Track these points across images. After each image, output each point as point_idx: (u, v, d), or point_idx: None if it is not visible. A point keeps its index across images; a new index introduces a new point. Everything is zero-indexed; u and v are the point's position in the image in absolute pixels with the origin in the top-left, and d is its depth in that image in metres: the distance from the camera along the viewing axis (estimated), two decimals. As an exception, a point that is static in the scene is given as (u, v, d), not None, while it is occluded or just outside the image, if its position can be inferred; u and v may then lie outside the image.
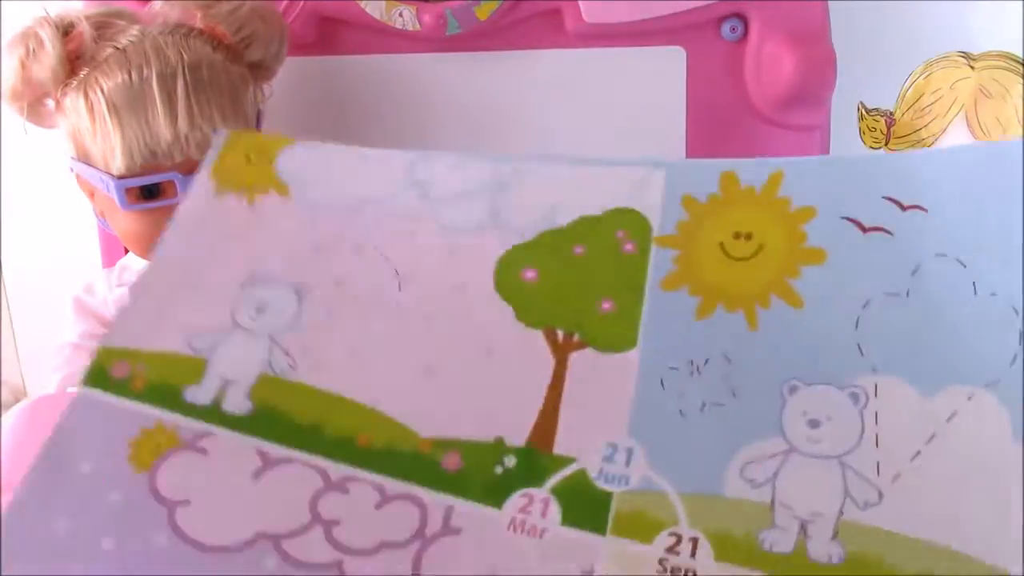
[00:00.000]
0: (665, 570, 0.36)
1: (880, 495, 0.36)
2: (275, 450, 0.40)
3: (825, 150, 0.73)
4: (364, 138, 0.72)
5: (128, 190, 0.62)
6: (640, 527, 0.37)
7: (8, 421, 0.52)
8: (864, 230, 0.40)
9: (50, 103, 0.65)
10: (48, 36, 0.62)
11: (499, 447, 0.39)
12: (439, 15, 0.69)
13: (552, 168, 0.45)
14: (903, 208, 0.40)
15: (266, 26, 0.68)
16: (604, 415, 0.39)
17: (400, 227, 0.45)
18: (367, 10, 0.71)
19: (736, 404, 0.38)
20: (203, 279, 0.45)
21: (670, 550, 0.36)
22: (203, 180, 0.49)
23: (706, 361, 0.39)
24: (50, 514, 0.39)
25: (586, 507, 0.37)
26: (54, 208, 0.87)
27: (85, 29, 0.63)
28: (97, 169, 0.63)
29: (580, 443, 0.39)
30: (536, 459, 0.39)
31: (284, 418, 0.41)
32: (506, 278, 0.43)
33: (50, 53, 0.62)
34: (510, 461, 0.39)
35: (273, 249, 0.46)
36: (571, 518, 0.37)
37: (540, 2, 0.71)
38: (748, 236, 0.42)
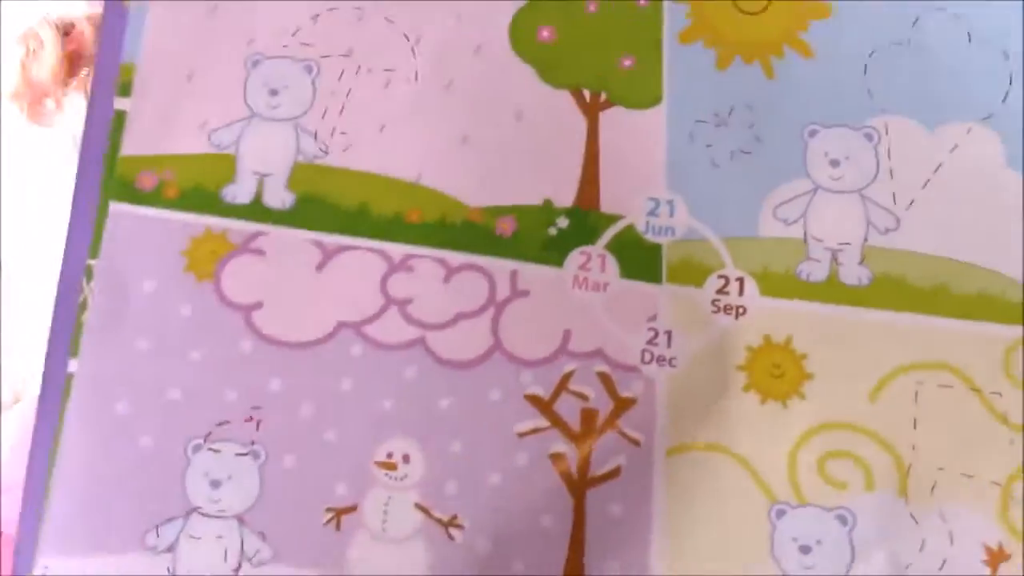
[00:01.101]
0: (718, 309, 0.40)
1: (898, 221, 0.41)
2: (329, 239, 0.41)
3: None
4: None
5: None
6: (691, 273, 0.41)
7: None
8: None
9: (50, 103, 0.65)
10: (48, 36, 0.63)
11: (549, 209, 0.41)
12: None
13: None
14: None
15: None
16: (642, 171, 0.41)
17: None
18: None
19: (762, 150, 0.41)
20: (200, 67, 0.42)
21: (720, 291, 0.40)
22: None
23: (730, 111, 0.42)
24: (128, 336, 0.39)
25: (640, 259, 0.41)
26: (54, 208, 0.83)
27: (85, 29, 0.64)
28: None
29: (624, 200, 0.41)
30: (586, 218, 0.41)
31: (329, 205, 0.41)
32: (522, 38, 0.43)
33: (50, 53, 0.63)
34: (563, 222, 0.41)
35: (265, 21, 0.43)
36: (628, 271, 0.41)
37: None
38: None
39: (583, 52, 0.43)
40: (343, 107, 0.42)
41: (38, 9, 0.66)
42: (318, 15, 0.43)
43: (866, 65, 0.42)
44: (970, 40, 0.42)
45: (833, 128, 0.42)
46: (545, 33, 0.43)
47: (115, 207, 0.41)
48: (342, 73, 0.42)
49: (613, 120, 0.42)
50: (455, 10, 0.43)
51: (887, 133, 0.41)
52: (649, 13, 0.43)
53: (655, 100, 0.42)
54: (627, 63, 0.43)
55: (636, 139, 0.42)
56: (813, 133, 0.42)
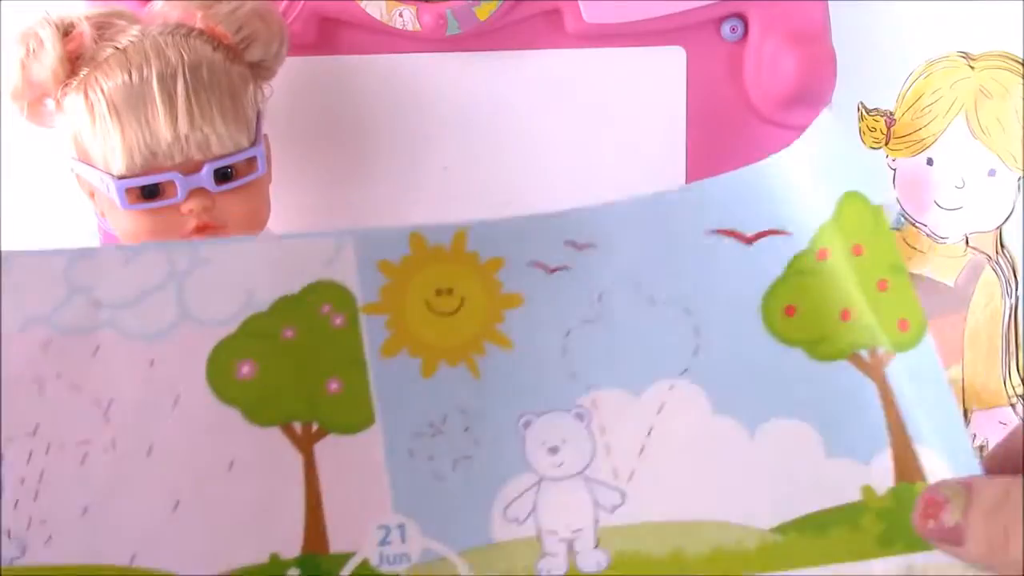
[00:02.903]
0: (468, 627, 0.40)
1: (623, 495, 0.41)
2: None
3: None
4: (364, 138, 0.74)
5: (128, 190, 0.64)
6: None
7: None
8: (550, 271, 0.44)
9: (50, 103, 0.65)
10: (48, 36, 0.63)
11: (277, 563, 0.39)
12: (439, 15, 0.69)
13: (234, 249, 0.43)
14: (579, 248, 0.44)
15: (266, 26, 0.69)
16: (366, 499, 0.41)
17: (78, 347, 0.41)
18: (367, 10, 0.70)
19: (482, 452, 0.42)
20: None
21: (467, 608, 0.40)
22: None
23: (444, 419, 0.42)
24: None
25: None
26: (54, 208, 0.85)
27: (85, 29, 0.63)
28: (97, 169, 0.64)
29: (353, 534, 0.40)
30: (317, 565, 0.40)
31: (38, 611, 0.38)
32: (221, 379, 0.41)
33: (50, 53, 0.62)
34: (294, 573, 0.39)
35: None
36: None
37: (540, 2, 0.71)
38: (449, 291, 0.43)
39: (287, 383, 0.42)
40: (37, 493, 0.39)
41: (38, 9, 0.66)
42: None
43: (564, 346, 0.43)
44: (653, 304, 0.44)
45: (545, 415, 0.42)
46: (245, 368, 0.42)
47: None
48: (30, 455, 0.40)
49: (329, 450, 0.41)
50: (146, 358, 0.41)
51: (597, 409, 0.42)
52: (347, 331, 0.42)
53: (368, 421, 0.42)
54: (333, 387, 0.42)
55: (355, 466, 0.41)
56: (528, 424, 0.42)
